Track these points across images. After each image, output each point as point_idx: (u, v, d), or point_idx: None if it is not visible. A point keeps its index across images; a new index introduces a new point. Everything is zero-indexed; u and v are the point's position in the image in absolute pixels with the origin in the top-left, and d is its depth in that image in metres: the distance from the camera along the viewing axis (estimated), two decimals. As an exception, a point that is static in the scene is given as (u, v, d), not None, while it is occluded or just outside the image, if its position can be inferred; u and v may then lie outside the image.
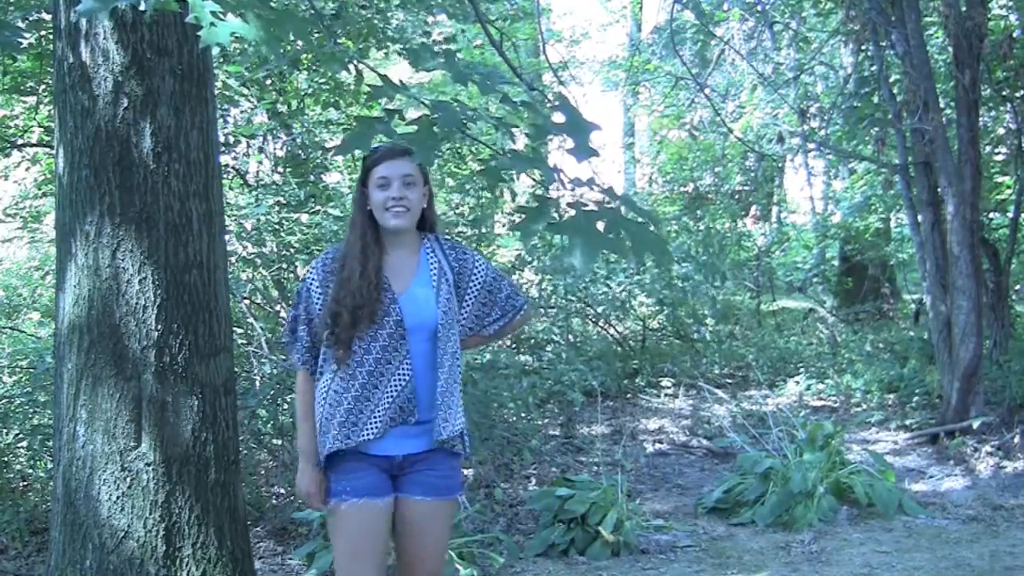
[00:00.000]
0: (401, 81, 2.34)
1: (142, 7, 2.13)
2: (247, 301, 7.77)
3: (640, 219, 2.16)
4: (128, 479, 4.02)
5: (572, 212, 2.15)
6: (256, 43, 2.19)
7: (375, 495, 3.30)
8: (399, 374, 3.28)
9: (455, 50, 8.91)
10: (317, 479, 3.39)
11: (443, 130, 2.21)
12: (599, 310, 11.94)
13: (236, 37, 2.11)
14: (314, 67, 8.58)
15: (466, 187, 9.83)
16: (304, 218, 8.11)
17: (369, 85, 2.35)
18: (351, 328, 3.27)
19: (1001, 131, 11.47)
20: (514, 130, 2.45)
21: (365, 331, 3.27)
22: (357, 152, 3.12)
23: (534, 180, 2.28)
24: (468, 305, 3.45)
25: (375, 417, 3.26)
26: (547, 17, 20.39)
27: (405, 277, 3.35)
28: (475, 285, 3.45)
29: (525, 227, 2.18)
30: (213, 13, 2.09)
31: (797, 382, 11.38)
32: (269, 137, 9.27)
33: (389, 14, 8.35)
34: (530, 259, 10.33)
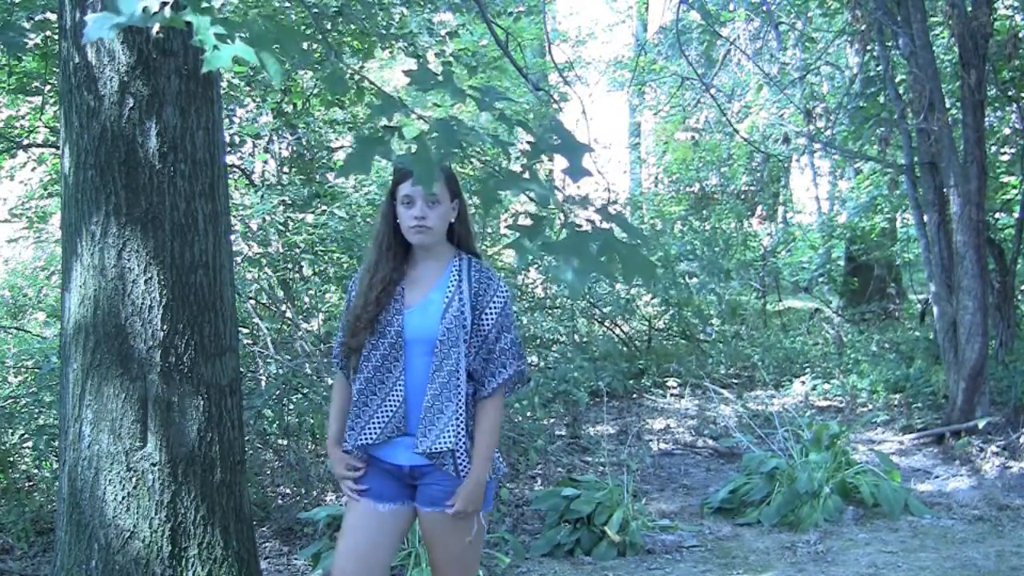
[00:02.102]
0: (400, 99, 2.34)
1: (149, 24, 2.13)
2: (253, 301, 7.78)
3: (631, 240, 2.18)
4: (134, 479, 4.02)
5: (566, 232, 2.16)
6: (257, 65, 2.19)
7: (379, 499, 3.36)
8: (396, 385, 3.31)
9: (459, 50, 8.92)
10: (344, 461, 3.44)
11: (439, 150, 2.21)
12: (605, 310, 11.93)
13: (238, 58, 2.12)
14: (318, 67, 8.59)
15: (469, 188, 9.82)
16: (310, 218, 8.12)
17: (369, 105, 2.35)
18: (351, 337, 3.37)
19: (1007, 131, 11.47)
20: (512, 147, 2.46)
21: (368, 339, 3.34)
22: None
23: (530, 199, 2.28)
24: (479, 335, 3.33)
25: (372, 423, 3.33)
26: (553, 17, 20.39)
27: (422, 290, 3.36)
28: (489, 318, 3.33)
29: (519, 245, 2.19)
30: (217, 35, 2.09)
31: (803, 382, 11.38)
32: (275, 137, 9.28)
33: (393, 10, 8.35)
34: (533, 259, 10.32)
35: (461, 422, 3.27)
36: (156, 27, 2.11)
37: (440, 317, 3.28)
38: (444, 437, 3.25)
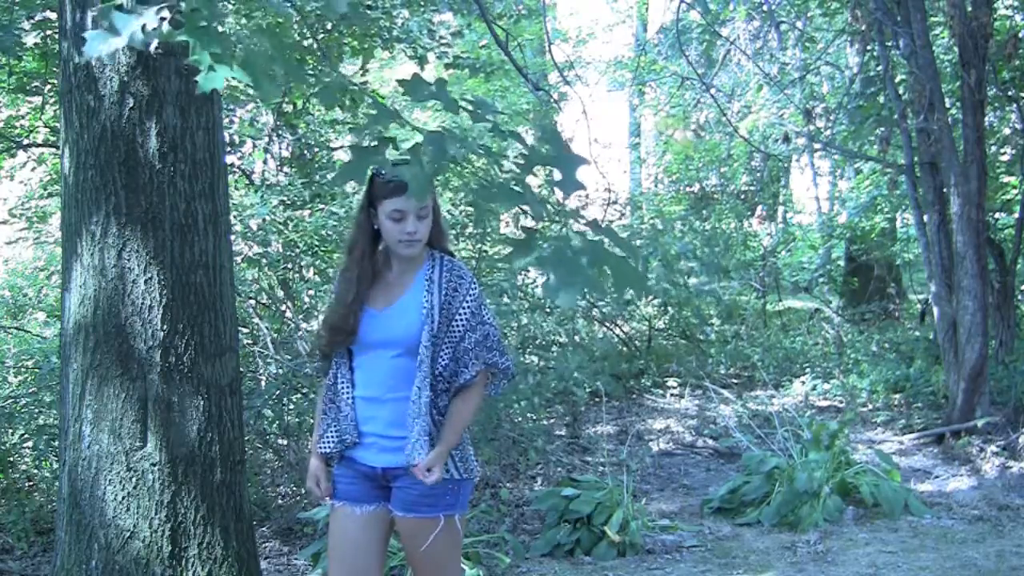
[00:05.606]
0: (395, 109, 2.34)
1: (147, 42, 2.13)
2: (252, 301, 7.78)
3: (621, 251, 2.18)
4: (134, 479, 4.02)
5: (555, 247, 2.16)
6: (250, 85, 2.20)
7: (355, 502, 3.37)
8: (347, 389, 3.37)
9: (460, 52, 8.92)
10: (315, 474, 3.45)
11: (431, 164, 2.20)
12: (604, 310, 11.92)
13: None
14: (312, 76, 8.57)
15: (464, 194, 9.82)
16: (308, 216, 8.11)
17: (366, 113, 2.37)
18: (327, 347, 3.40)
19: (1007, 131, 11.46)
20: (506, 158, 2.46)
21: (339, 348, 3.39)
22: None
23: (523, 211, 2.29)
24: (450, 338, 3.31)
25: (331, 431, 3.39)
26: (553, 17, 20.39)
27: (396, 292, 3.34)
28: (460, 321, 3.31)
29: (512, 260, 2.19)
30: (213, 55, 2.09)
31: (803, 382, 11.38)
32: (274, 137, 9.27)
33: (395, 13, 8.35)
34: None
35: (430, 426, 3.25)
36: (154, 44, 2.11)
37: (420, 323, 3.25)
38: (419, 446, 3.22)
